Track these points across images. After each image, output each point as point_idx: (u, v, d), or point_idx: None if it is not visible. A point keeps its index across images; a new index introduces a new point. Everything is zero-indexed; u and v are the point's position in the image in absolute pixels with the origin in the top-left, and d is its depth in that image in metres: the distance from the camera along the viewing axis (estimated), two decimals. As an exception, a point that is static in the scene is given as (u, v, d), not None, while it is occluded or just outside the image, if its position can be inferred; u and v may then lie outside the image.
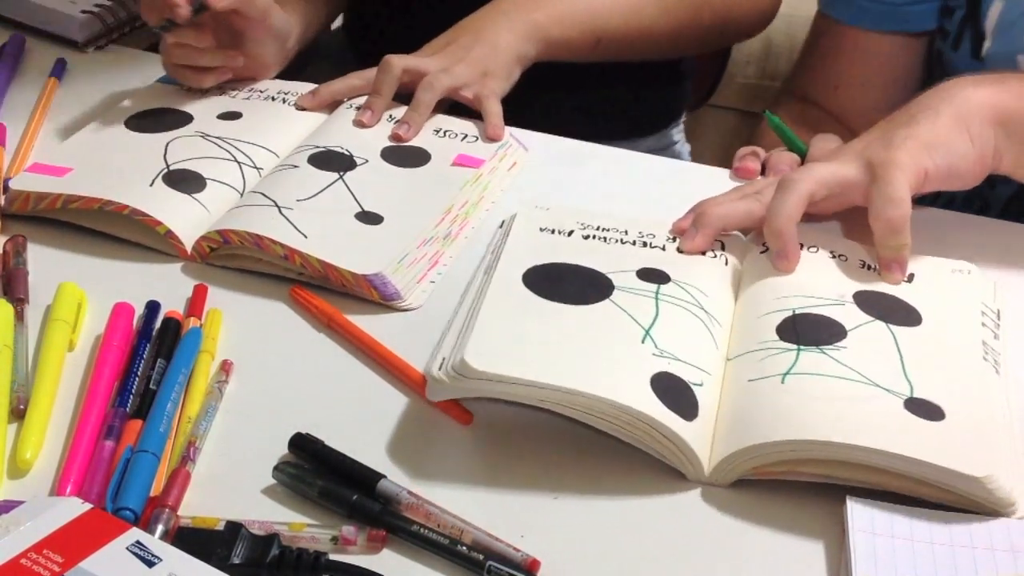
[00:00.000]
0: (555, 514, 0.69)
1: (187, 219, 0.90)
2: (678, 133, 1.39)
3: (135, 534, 0.60)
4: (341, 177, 0.95)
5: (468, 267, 0.88)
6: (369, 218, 0.90)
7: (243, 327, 0.83)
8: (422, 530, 0.66)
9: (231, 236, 0.87)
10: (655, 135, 1.35)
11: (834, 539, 0.68)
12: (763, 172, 1.02)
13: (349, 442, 0.72)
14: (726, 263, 0.86)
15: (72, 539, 0.59)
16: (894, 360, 0.75)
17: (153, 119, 1.03)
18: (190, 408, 0.74)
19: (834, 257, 0.86)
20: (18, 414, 0.73)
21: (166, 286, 0.86)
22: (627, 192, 1.01)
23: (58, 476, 0.70)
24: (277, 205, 0.90)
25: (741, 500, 0.70)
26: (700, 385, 0.74)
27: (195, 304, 0.84)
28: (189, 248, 0.89)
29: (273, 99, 1.08)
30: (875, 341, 0.77)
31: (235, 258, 0.88)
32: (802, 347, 0.76)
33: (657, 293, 0.81)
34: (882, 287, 0.83)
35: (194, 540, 0.64)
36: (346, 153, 0.98)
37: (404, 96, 1.05)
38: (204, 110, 1.04)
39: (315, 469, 0.70)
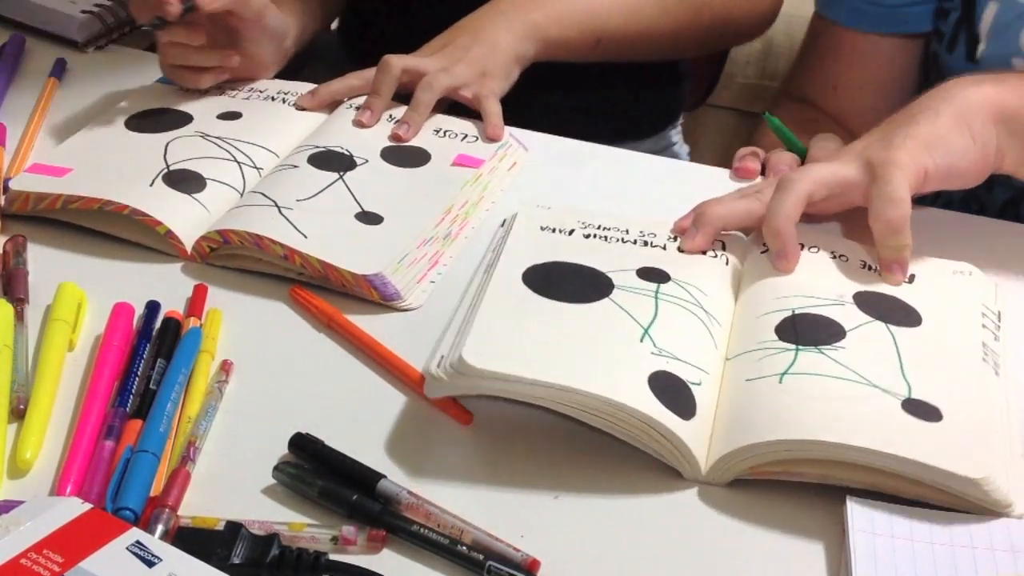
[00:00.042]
0: (555, 514, 0.69)
1: (187, 219, 0.90)
2: (676, 135, 1.39)
3: (135, 534, 0.60)
4: (341, 177, 0.95)
5: (468, 267, 0.88)
6: (369, 218, 0.90)
7: (243, 327, 0.83)
8: (422, 530, 0.66)
9: (231, 236, 0.87)
10: (654, 137, 1.35)
11: (834, 539, 0.68)
12: (763, 173, 1.02)
13: (349, 442, 0.72)
14: (727, 263, 0.86)
15: (72, 539, 0.59)
16: (893, 361, 0.75)
17: (153, 119, 1.03)
18: (190, 408, 0.74)
19: (835, 257, 0.86)
20: (18, 414, 0.73)
21: (166, 286, 0.86)
22: (627, 192, 1.01)
23: (58, 476, 0.70)
24: (277, 205, 0.90)
25: (741, 500, 0.70)
26: (698, 384, 0.74)
27: (195, 304, 0.84)
28: (189, 248, 0.89)
29: (273, 99, 1.08)
30: (874, 341, 0.77)
31: (235, 258, 0.88)
32: (801, 347, 0.76)
33: (657, 292, 0.81)
34: (882, 288, 0.83)
35: (194, 540, 0.64)
36: (346, 153, 0.98)
37: (403, 96, 1.05)
38: (204, 110, 1.04)
39: (315, 469, 0.70)
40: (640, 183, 1.03)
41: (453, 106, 1.06)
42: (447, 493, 0.69)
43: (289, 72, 1.13)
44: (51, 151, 0.98)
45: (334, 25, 1.36)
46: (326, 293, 0.85)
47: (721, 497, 0.71)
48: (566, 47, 1.11)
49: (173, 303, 0.83)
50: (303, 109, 1.07)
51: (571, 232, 0.88)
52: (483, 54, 1.06)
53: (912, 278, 0.84)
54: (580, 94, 1.26)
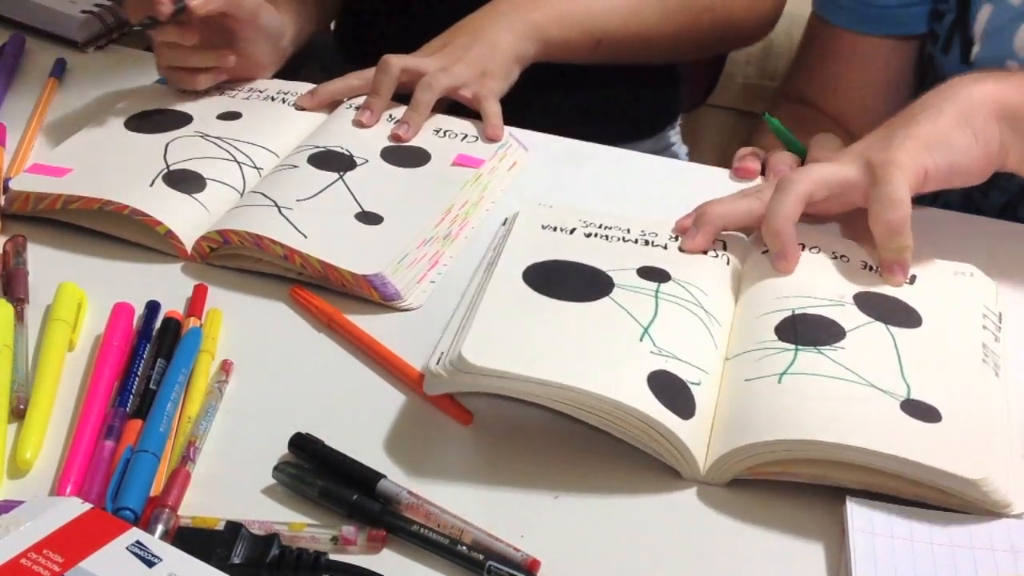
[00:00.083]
0: (555, 514, 0.69)
1: (187, 219, 0.90)
2: (675, 135, 1.39)
3: (135, 534, 0.60)
4: (341, 177, 0.95)
5: (468, 267, 0.88)
6: (369, 218, 0.90)
7: (243, 327, 0.83)
8: (422, 530, 0.66)
9: (231, 236, 0.87)
10: (653, 137, 1.35)
11: (833, 539, 0.68)
12: (763, 173, 1.02)
13: (349, 442, 0.72)
14: (727, 263, 0.86)
15: (72, 539, 0.59)
16: (892, 361, 0.75)
17: (153, 119, 1.03)
18: (190, 408, 0.74)
19: (835, 258, 0.86)
20: (18, 414, 0.73)
21: (166, 286, 0.86)
22: (627, 192, 1.01)
23: (58, 476, 0.70)
24: (277, 205, 0.90)
25: (740, 500, 0.70)
26: (698, 384, 0.74)
27: (195, 304, 0.84)
28: (189, 248, 0.89)
29: (272, 99, 1.08)
30: (874, 342, 0.77)
31: (235, 258, 0.88)
32: (800, 347, 0.76)
33: (657, 291, 0.81)
34: (883, 288, 0.83)
35: (194, 540, 0.64)
36: (346, 153, 0.98)
37: (403, 96, 1.05)
38: (204, 110, 1.04)
39: (315, 469, 0.70)
40: (640, 183, 1.03)
41: (453, 106, 1.06)
42: (447, 493, 0.69)
43: (286, 73, 1.13)
44: (51, 151, 0.98)
45: (332, 26, 1.36)
46: (326, 293, 0.85)
47: (720, 497, 0.71)
48: (566, 48, 1.11)
49: (173, 303, 0.83)
50: (303, 109, 1.07)
51: (572, 231, 0.88)
52: (483, 54, 1.06)
53: (913, 279, 0.84)
54: (580, 94, 1.26)
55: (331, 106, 1.07)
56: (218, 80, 1.07)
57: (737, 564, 0.67)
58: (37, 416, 0.73)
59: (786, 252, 0.84)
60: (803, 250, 0.86)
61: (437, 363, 0.74)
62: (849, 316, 0.79)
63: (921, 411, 0.71)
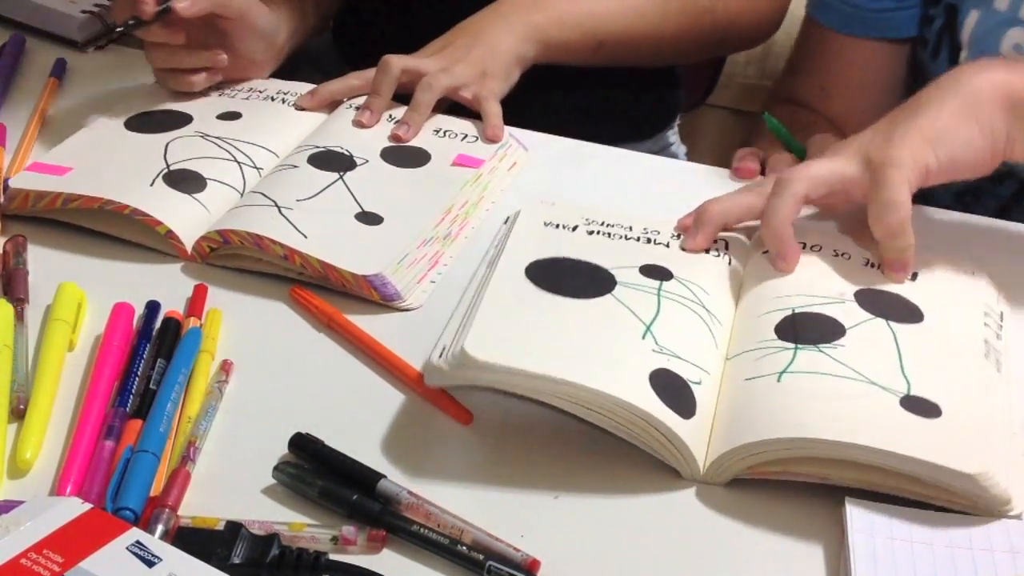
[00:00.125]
0: (555, 514, 0.69)
1: (187, 219, 0.90)
2: (674, 135, 1.39)
3: (135, 534, 0.60)
4: (341, 177, 0.95)
5: (468, 267, 0.88)
6: (369, 218, 0.90)
7: (243, 327, 0.83)
8: (422, 530, 0.66)
9: (231, 236, 0.87)
10: (652, 138, 1.35)
11: (833, 540, 0.68)
12: (763, 174, 1.02)
13: (349, 442, 0.72)
14: (729, 263, 0.86)
15: (72, 539, 0.59)
16: (892, 358, 0.75)
17: (153, 119, 1.03)
18: (190, 408, 0.74)
19: (837, 256, 0.86)
20: (18, 414, 0.73)
21: (166, 286, 0.86)
22: (627, 192, 1.01)
23: (58, 476, 0.70)
24: (277, 205, 0.90)
25: (740, 500, 0.70)
26: (699, 384, 0.74)
27: (195, 304, 0.84)
28: (189, 248, 0.89)
29: (272, 99, 1.08)
30: (874, 339, 0.77)
31: (235, 258, 0.88)
32: (800, 346, 0.76)
33: (659, 290, 0.81)
34: (884, 285, 0.83)
35: (194, 540, 0.64)
36: (346, 153, 0.98)
37: (403, 96, 1.05)
38: (204, 110, 1.04)
39: (315, 469, 0.70)
40: (640, 183, 1.03)
41: (453, 106, 1.06)
42: (447, 493, 0.69)
43: (284, 74, 1.13)
44: (51, 151, 0.98)
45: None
46: (326, 293, 0.85)
47: (720, 497, 0.71)
48: (567, 50, 1.11)
49: (173, 303, 0.83)
50: (303, 109, 1.07)
51: (575, 228, 0.88)
52: (483, 55, 1.06)
53: (915, 276, 0.84)
54: (580, 95, 1.26)
55: (331, 106, 1.07)
56: (213, 81, 1.07)
57: (737, 564, 0.67)
58: (37, 416, 0.73)
59: (786, 253, 0.84)
60: (804, 249, 0.86)
61: (439, 356, 0.74)
62: (850, 313, 0.79)
63: (921, 407, 0.71)
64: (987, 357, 0.77)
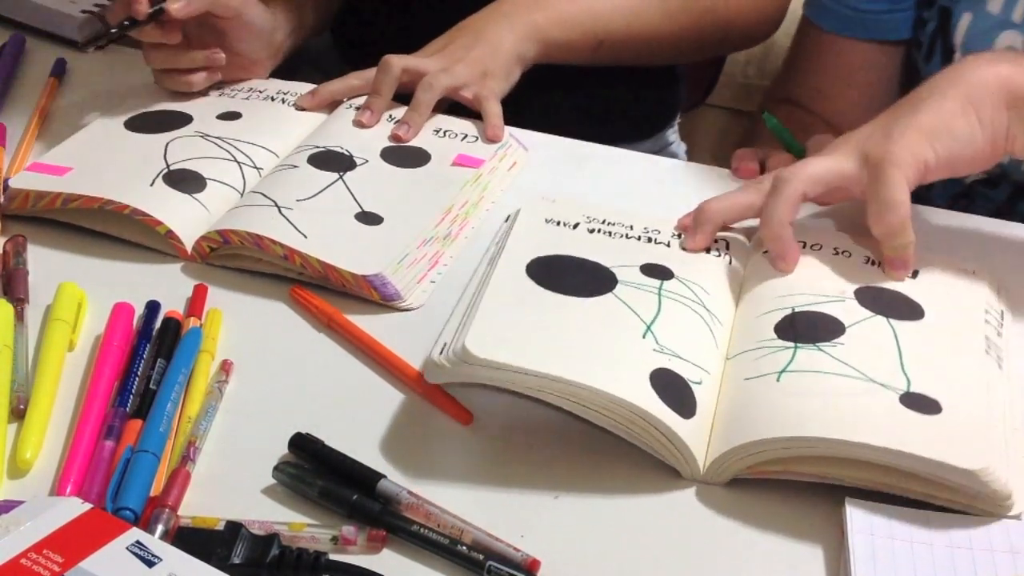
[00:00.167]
0: (555, 514, 0.69)
1: (187, 219, 0.90)
2: (673, 134, 1.40)
3: (135, 534, 0.60)
4: (341, 177, 0.95)
5: (468, 267, 0.88)
6: (369, 218, 0.90)
7: (243, 327, 0.83)
8: (422, 530, 0.66)
9: (231, 236, 0.87)
10: (652, 138, 1.35)
11: (833, 541, 0.68)
12: (762, 174, 1.02)
13: (349, 442, 0.72)
14: (730, 262, 0.86)
15: (72, 539, 0.59)
16: (892, 355, 0.75)
17: (153, 119, 1.03)
18: (190, 408, 0.74)
19: (837, 254, 0.86)
20: (18, 414, 0.73)
21: (166, 286, 0.86)
22: (627, 192, 1.01)
23: (58, 476, 0.70)
24: (277, 205, 0.90)
25: (740, 500, 0.70)
26: (699, 383, 0.74)
27: (195, 304, 0.84)
28: (189, 248, 0.89)
29: (272, 99, 1.08)
30: (874, 336, 0.77)
31: (235, 258, 0.88)
32: (799, 345, 0.76)
33: (660, 289, 0.81)
34: (885, 283, 0.83)
35: (194, 540, 0.64)
36: (346, 153, 0.98)
37: (403, 96, 1.05)
38: (204, 110, 1.04)
39: (315, 469, 0.70)
40: (640, 183, 1.03)
41: (453, 106, 1.06)
42: (447, 493, 0.69)
43: (283, 74, 1.13)
44: (51, 151, 0.98)
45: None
46: (326, 293, 0.85)
47: (720, 497, 0.71)
48: (567, 49, 1.11)
49: (173, 303, 0.83)
50: (303, 109, 1.07)
51: (576, 226, 0.88)
52: (484, 55, 1.06)
53: (916, 273, 0.84)
54: (580, 94, 1.26)
55: (331, 106, 1.07)
56: (212, 80, 1.07)
57: (737, 564, 0.67)
58: (37, 416, 0.73)
59: (785, 253, 0.84)
60: (804, 248, 0.86)
61: (440, 353, 0.74)
62: (850, 311, 0.79)
63: (921, 404, 0.71)
64: (988, 353, 0.77)
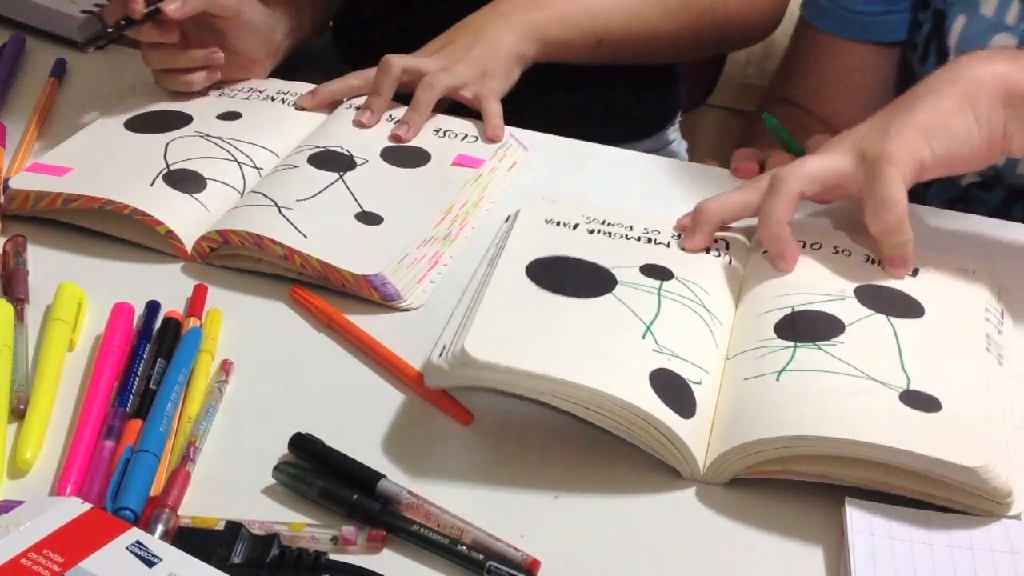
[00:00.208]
0: (555, 514, 0.69)
1: (187, 219, 0.90)
2: (674, 132, 1.39)
3: (135, 534, 0.60)
4: (341, 177, 0.95)
5: (468, 267, 0.88)
6: (369, 218, 0.90)
7: (243, 327, 0.83)
8: (422, 530, 0.66)
9: (231, 236, 0.87)
10: (652, 137, 1.35)
11: (833, 541, 0.68)
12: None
13: (349, 442, 0.72)
14: (730, 262, 0.86)
15: (72, 539, 0.59)
16: (892, 353, 0.75)
17: (153, 119, 1.03)
18: (190, 408, 0.74)
19: (837, 253, 0.86)
20: (18, 414, 0.73)
21: (166, 286, 0.86)
22: (627, 192, 1.01)
23: (58, 476, 0.70)
24: (277, 205, 0.90)
25: (740, 500, 0.70)
26: (699, 383, 0.74)
27: (195, 304, 0.84)
28: (189, 248, 0.89)
29: (272, 99, 1.08)
30: (874, 335, 0.77)
31: (235, 258, 0.88)
32: (799, 344, 0.76)
33: (660, 289, 0.81)
34: (885, 281, 0.83)
35: (194, 540, 0.64)
36: (346, 153, 0.98)
37: (404, 96, 1.05)
38: (204, 110, 1.04)
39: (315, 469, 0.70)
40: (640, 183, 1.03)
41: (453, 106, 1.06)
42: (447, 493, 0.69)
43: (283, 74, 1.13)
44: (51, 151, 0.98)
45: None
46: (326, 293, 0.85)
47: (720, 497, 0.71)
48: (567, 48, 1.11)
49: (173, 303, 0.83)
50: (303, 109, 1.07)
51: (575, 227, 0.88)
52: (484, 54, 1.06)
53: (916, 272, 0.84)
54: (580, 94, 1.26)
55: (331, 106, 1.07)
56: (212, 80, 1.07)
57: (736, 564, 0.67)
58: (37, 416, 0.73)
59: (784, 252, 0.84)
60: (803, 247, 0.86)
61: (439, 356, 0.74)
62: (850, 310, 0.79)
63: (920, 401, 0.71)
64: (988, 351, 0.77)
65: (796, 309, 0.80)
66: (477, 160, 0.99)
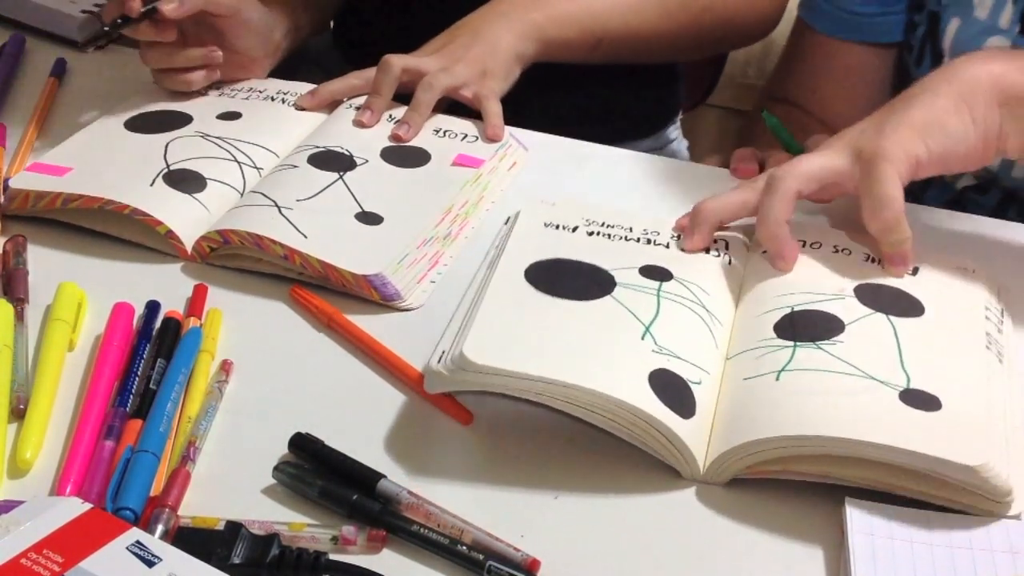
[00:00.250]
0: (555, 514, 0.69)
1: (187, 219, 0.90)
2: (675, 131, 1.40)
3: (135, 534, 0.60)
4: (341, 177, 0.95)
5: (468, 267, 0.88)
6: (369, 218, 0.90)
7: (243, 327, 0.83)
8: (422, 530, 0.66)
9: (231, 236, 0.87)
10: (653, 136, 1.35)
11: (833, 541, 0.68)
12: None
13: (349, 442, 0.72)
14: (729, 262, 0.86)
15: (72, 539, 0.59)
16: (892, 352, 0.75)
17: (153, 119, 1.03)
18: (190, 408, 0.74)
19: (837, 252, 0.86)
20: (18, 414, 0.73)
21: (166, 286, 0.86)
22: (627, 192, 1.01)
23: (58, 476, 0.70)
24: (277, 205, 0.90)
25: (740, 500, 0.70)
26: (699, 384, 0.74)
27: (195, 304, 0.84)
28: (189, 248, 0.89)
29: (272, 99, 1.08)
30: (874, 333, 0.77)
31: (235, 258, 0.88)
32: (799, 344, 0.76)
33: (659, 290, 0.81)
34: (884, 279, 0.83)
35: (194, 540, 0.64)
36: (346, 153, 0.98)
37: (404, 96, 1.05)
38: (204, 110, 1.04)
39: (315, 469, 0.70)
40: (640, 183, 1.03)
41: (453, 106, 1.06)
42: (447, 493, 0.69)
43: (283, 74, 1.13)
44: (51, 151, 0.98)
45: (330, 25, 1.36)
46: (326, 293, 0.85)
47: (720, 497, 0.71)
48: (566, 47, 1.11)
49: (173, 303, 0.83)
50: (303, 109, 1.07)
51: (575, 229, 0.88)
52: (483, 54, 1.06)
53: (916, 270, 0.84)
54: (580, 94, 1.26)
55: (331, 106, 1.07)
56: (212, 79, 1.07)
57: (736, 564, 0.67)
58: (37, 416, 0.73)
59: (783, 252, 0.84)
60: (803, 247, 0.86)
61: (438, 361, 0.74)
62: (849, 309, 0.79)
63: (920, 400, 0.71)
64: (988, 349, 0.77)
65: (796, 308, 0.80)
66: (477, 160, 0.99)
